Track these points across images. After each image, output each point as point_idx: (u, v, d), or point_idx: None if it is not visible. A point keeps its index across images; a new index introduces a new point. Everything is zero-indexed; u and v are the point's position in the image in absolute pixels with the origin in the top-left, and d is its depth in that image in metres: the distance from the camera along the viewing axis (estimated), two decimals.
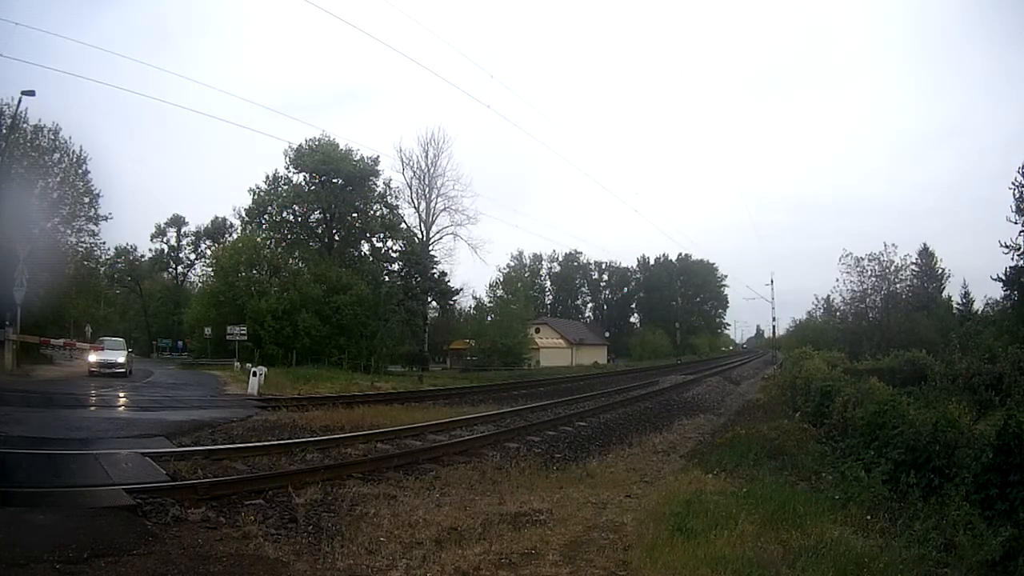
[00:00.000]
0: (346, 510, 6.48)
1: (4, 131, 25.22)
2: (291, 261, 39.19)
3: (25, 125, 26.65)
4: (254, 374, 19.54)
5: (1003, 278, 26.71)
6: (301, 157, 41.46)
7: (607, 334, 74.60)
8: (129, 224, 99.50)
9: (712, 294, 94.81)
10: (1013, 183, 25.72)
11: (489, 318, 50.70)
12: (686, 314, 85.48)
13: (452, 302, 54.30)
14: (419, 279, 46.79)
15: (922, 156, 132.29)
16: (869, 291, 35.59)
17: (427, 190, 47.74)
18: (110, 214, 30.75)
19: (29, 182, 26.35)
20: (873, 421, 10.69)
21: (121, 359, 22.46)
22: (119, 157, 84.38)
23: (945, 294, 41.03)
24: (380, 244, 45.79)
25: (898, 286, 35.79)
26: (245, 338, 30.05)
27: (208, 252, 53.31)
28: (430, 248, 47.94)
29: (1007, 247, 25.26)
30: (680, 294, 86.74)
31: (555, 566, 5.00)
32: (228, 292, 35.07)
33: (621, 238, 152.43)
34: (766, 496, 7.31)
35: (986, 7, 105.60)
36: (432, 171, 47.63)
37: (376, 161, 43.02)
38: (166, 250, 59.26)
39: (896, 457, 9.20)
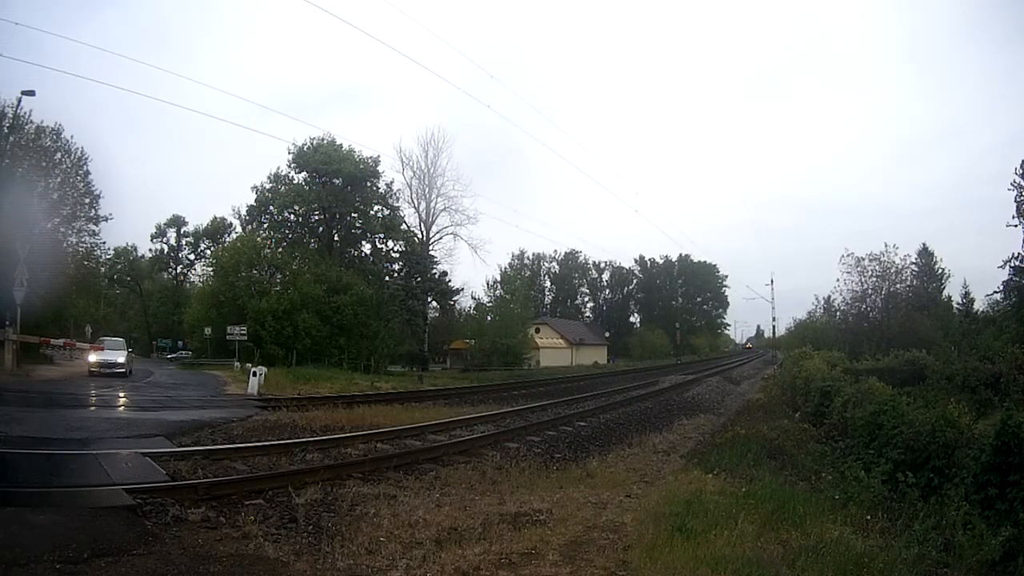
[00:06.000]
0: (346, 510, 6.48)
1: (5, 131, 25.23)
2: (291, 261, 39.20)
3: (28, 125, 26.72)
4: (254, 374, 19.53)
5: (1001, 289, 26.73)
6: (303, 157, 41.51)
7: (607, 334, 74.46)
8: (129, 224, 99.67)
9: (712, 294, 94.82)
10: (1012, 184, 25.73)
11: (489, 318, 50.67)
12: (686, 314, 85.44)
13: (452, 302, 54.32)
14: (419, 279, 46.77)
15: (922, 156, 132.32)
16: (869, 291, 35.47)
17: (427, 190, 47.77)
18: (110, 214, 30.93)
19: (30, 182, 26.37)
20: (872, 421, 10.73)
21: (121, 359, 22.45)
22: (119, 157, 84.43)
23: (945, 294, 41.10)
24: (381, 244, 45.93)
25: (898, 286, 35.69)
26: (245, 338, 30.02)
27: (208, 252, 53.38)
28: (430, 248, 47.96)
29: (1005, 262, 25.27)
30: (680, 294, 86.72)
31: (555, 566, 4.99)
32: (228, 292, 35.04)
33: (621, 238, 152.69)
34: (766, 496, 7.30)
35: (986, 7, 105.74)
36: (432, 171, 47.65)
37: (376, 161, 43.16)
38: (166, 250, 59.36)
39: (896, 457, 9.24)
